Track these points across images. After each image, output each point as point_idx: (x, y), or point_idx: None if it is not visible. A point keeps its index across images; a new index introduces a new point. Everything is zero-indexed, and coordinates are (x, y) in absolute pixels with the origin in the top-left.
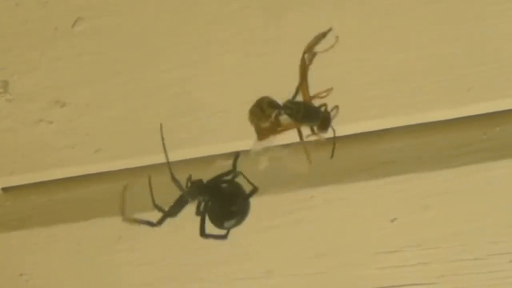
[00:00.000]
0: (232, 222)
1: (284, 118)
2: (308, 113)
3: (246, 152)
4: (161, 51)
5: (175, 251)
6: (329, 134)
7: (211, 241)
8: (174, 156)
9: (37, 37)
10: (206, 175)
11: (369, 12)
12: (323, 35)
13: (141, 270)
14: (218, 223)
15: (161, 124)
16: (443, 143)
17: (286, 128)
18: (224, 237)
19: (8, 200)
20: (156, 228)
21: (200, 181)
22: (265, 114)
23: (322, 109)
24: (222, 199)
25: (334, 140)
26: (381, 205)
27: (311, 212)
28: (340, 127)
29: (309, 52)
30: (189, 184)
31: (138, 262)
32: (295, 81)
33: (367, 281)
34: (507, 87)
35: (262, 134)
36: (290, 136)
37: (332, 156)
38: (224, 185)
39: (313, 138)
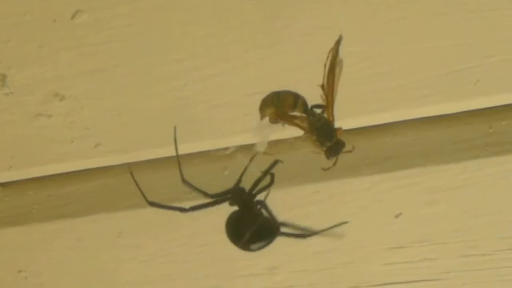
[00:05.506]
0: (259, 245)
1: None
2: (324, 131)
3: (249, 146)
4: (161, 43)
5: (177, 248)
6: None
7: (213, 239)
8: (174, 151)
9: (35, 29)
10: (205, 169)
11: (375, 4)
12: (337, 45)
13: (142, 267)
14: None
15: (175, 127)
16: (448, 137)
17: (298, 126)
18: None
19: (6, 196)
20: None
21: (242, 190)
22: (291, 106)
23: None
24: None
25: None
26: (386, 200)
27: (316, 207)
28: (344, 120)
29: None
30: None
31: (139, 259)
32: (297, 73)
33: (373, 277)
34: None
35: (276, 118)
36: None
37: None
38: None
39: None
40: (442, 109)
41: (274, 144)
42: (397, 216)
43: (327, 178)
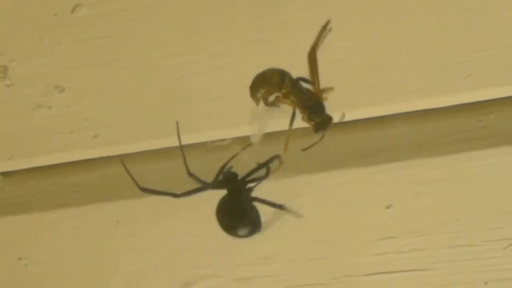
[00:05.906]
0: (244, 231)
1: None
2: (316, 109)
3: (245, 138)
4: (160, 37)
5: (174, 237)
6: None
7: (210, 228)
8: (172, 142)
9: (36, 22)
10: (202, 161)
11: None
12: (325, 29)
13: (140, 256)
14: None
15: (177, 122)
16: (439, 130)
17: (291, 102)
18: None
19: (7, 185)
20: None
21: (235, 175)
22: (279, 83)
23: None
24: (239, 205)
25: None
26: (377, 191)
27: (307, 199)
28: (336, 113)
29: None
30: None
31: (137, 248)
32: (292, 66)
33: (362, 267)
34: (505, 74)
35: (270, 100)
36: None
37: (305, 149)
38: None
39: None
40: (433, 103)
41: (270, 136)
42: (387, 207)
43: (319, 170)
